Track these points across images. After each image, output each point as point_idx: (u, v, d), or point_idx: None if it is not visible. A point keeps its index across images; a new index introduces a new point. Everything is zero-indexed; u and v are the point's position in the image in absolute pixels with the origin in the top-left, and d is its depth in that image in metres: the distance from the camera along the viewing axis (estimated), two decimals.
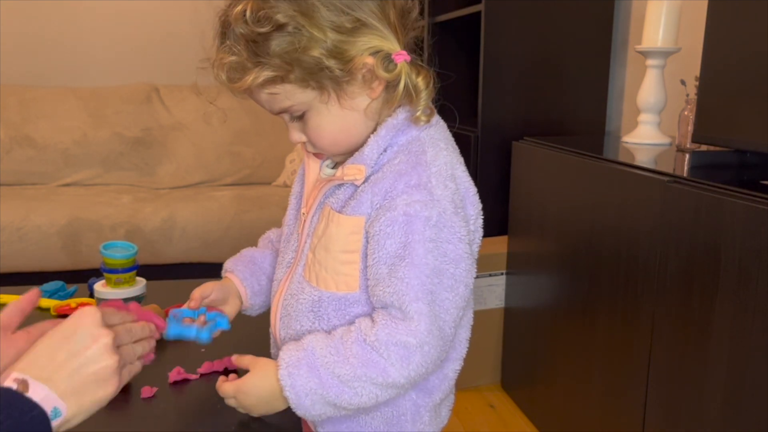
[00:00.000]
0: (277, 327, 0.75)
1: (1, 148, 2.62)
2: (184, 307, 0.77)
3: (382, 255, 0.64)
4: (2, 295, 1.04)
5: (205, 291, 0.79)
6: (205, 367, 0.83)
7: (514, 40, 1.96)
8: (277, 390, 0.65)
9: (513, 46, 1.96)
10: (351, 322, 0.67)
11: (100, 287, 1.04)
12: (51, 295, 1.07)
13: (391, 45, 0.64)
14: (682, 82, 1.50)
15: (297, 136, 0.69)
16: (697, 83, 1.23)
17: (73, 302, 1.05)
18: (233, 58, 0.62)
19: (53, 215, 2.28)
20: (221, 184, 2.80)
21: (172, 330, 0.73)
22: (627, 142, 1.68)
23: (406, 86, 0.64)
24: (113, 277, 1.03)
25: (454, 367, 0.74)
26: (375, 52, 0.63)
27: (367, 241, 0.66)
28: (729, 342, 1.02)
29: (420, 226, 0.63)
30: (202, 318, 0.76)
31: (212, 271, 2.41)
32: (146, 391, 0.77)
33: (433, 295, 0.63)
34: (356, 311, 0.68)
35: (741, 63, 1.14)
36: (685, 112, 1.49)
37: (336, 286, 0.68)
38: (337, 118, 0.66)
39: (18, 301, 0.63)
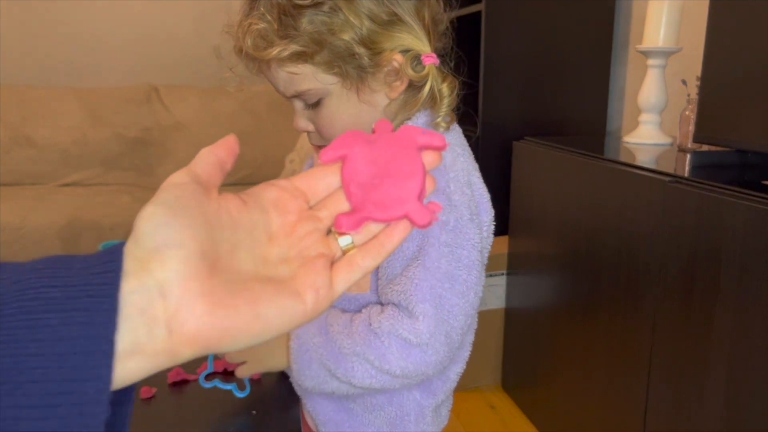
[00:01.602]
0: None
1: (0, 148, 2.62)
2: None
3: (398, 257, 0.64)
4: None
5: None
6: (204, 368, 0.83)
7: (514, 40, 1.96)
8: (285, 336, 0.66)
9: (513, 46, 1.96)
10: None
11: None
12: None
13: (423, 46, 0.63)
14: (683, 82, 1.50)
15: (304, 123, 0.67)
16: (699, 83, 1.23)
17: None
18: (264, 25, 0.60)
19: (53, 215, 2.27)
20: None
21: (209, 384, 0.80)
22: (628, 142, 1.67)
23: (431, 90, 0.63)
24: None
25: (456, 369, 0.74)
26: (405, 51, 0.62)
27: None
28: (729, 342, 1.02)
29: (437, 230, 0.62)
30: None
31: None
32: (145, 392, 0.77)
33: (442, 299, 0.62)
34: None
35: (742, 63, 1.13)
36: (686, 112, 1.48)
37: None
38: (353, 110, 0.65)
39: (213, 149, 0.38)
